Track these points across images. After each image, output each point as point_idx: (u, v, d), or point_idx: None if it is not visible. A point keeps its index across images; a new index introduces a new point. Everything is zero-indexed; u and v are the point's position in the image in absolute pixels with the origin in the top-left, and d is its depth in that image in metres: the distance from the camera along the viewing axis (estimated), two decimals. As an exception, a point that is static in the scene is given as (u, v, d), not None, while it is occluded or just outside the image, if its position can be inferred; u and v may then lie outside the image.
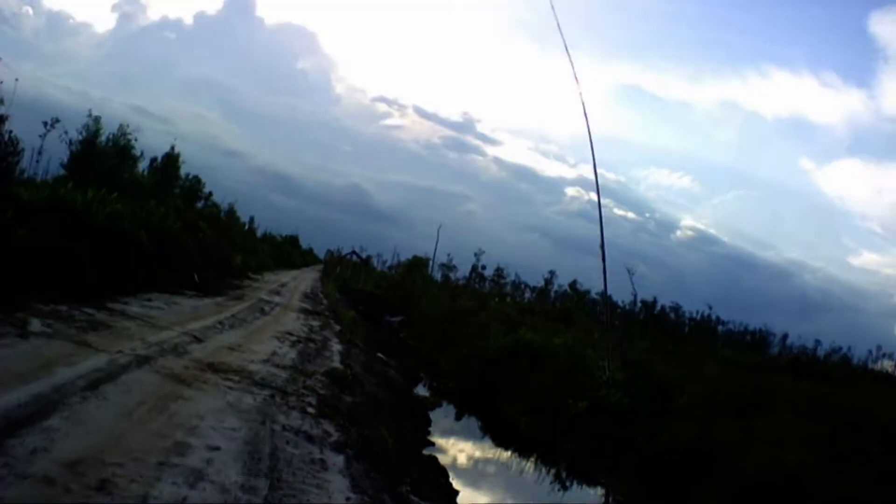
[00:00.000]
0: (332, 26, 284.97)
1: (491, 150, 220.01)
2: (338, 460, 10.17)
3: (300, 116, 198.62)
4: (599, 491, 17.33)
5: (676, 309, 61.46)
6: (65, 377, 10.14)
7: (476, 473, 17.69)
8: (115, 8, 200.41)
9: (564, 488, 17.05)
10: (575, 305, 59.77)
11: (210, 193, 56.49)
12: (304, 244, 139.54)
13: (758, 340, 53.24)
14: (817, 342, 49.88)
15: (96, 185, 25.16)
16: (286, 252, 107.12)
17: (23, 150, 33.70)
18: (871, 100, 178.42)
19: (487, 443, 20.65)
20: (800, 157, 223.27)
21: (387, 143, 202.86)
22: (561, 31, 26.84)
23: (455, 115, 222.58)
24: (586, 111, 16.41)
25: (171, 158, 46.60)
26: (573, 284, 71.89)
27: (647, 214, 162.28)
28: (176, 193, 46.80)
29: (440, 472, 14.19)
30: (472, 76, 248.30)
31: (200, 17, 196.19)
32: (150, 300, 20.26)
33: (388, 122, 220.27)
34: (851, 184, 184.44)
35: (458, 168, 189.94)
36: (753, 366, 28.19)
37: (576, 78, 27.65)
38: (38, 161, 36.36)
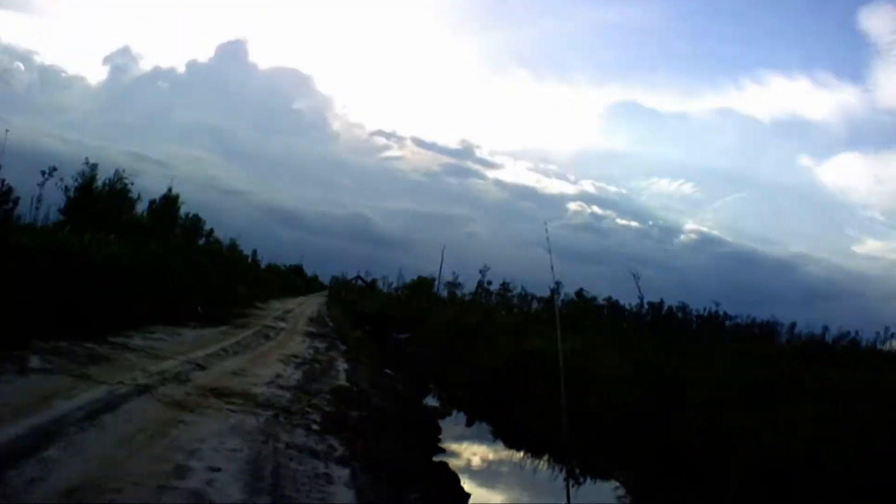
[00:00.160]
0: (326, 66, 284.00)
1: (491, 174, 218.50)
2: (343, 473, 9.89)
3: (298, 154, 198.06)
4: (613, 484, 17.04)
5: (683, 308, 60.87)
6: (63, 409, 9.92)
7: (489, 474, 17.35)
8: (106, 60, 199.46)
9: (578, 484, 16.75)
10: (582, 312, 59.43)
11: (211, 230, 56.41)
12: (308, 272, 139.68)
13: (766, 331, 52.84)
14: (825, 328, 49.22)
15: (94, 229, 25.03)
16: (291, 281, 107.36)
17: (19, 197, 33.86)
18: (866, 93, 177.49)
19: (499, 445, 20.30)
20: (798, 156, 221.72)
21: (387, 174, 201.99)
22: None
23: (454, 143, 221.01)
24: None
25: (170, 199, 46.29)
26: (579, 292, 71.51)
27: (650, 222, 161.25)
28: (176, 233, 46.64)
29: (451, 477, 13.87)
30: (469, 104, 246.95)
31: (193, 66, 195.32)
32: (152, 333, 20.05)
33: (388, 154, 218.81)
34: (851, 176, 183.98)
35: (459, 193, 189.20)
36: (763, 356, 27.77)
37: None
38: (37, 209, 36.34)
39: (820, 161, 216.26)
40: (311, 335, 32.86)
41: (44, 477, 7.24)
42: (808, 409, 15.17)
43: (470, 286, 77.25)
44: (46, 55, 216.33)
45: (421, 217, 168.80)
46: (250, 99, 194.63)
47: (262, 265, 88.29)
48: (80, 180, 37.67)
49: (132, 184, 39.99)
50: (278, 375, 17.69)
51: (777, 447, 13.19)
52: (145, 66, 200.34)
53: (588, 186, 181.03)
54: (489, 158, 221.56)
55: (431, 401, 25.82)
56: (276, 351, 23.26)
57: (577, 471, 17.25)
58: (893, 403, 15.10)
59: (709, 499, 13.42)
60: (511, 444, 20.03)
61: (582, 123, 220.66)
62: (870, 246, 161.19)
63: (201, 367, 16.18)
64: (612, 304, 66.37)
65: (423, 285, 78.32)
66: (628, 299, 62.63)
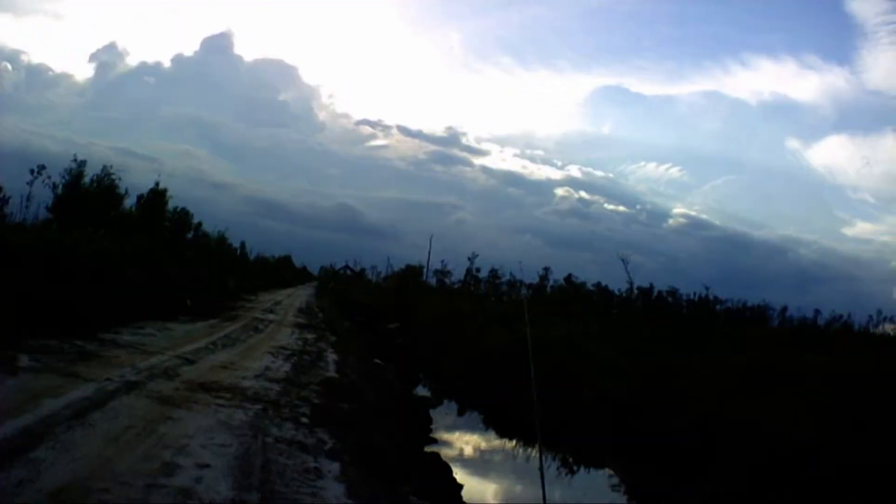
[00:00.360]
0: (312, 57, 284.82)
1: (478, 161, 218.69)
2: (333, 467, 9.73)
3: (285, 145, 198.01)
4: (607, 472, 16.90)
5: (674, 293, 60.67)
6: (51, 408, 9.75)
7: (481, 464, 17.23)
8: (92, 58, 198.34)
9: (571, 472, 16.60)
10: (571, 298, 59.14)
11: (199, 224, 56.16)
12: (297, 263, 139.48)
13: (757, 315, 52.48)
14: (817, 312, 49.03)
15: (82, 225, 24.81)
16: (280, 272, 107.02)
17: (9, 196, 33.83)
18: (854, 76, 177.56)
19: (491, 434, 20.14)
20: (787, 138, 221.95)
21: (373, 164, 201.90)
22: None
23: (440, 131, 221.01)
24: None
25: (157, 194, 45.98)
26: (568, 278, 71.26)
27: (638, 206, 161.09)
28: (165, 227, 46.37)
29: (443, 468, 13.72)
30: (455, 92, 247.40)
31: (178, 60, 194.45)
32: (141, 328, 19.86)
33: (374, 143, 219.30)
34: (840, 158, 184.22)
35: (446, 180, 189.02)
36: (755, 340, 27.52)
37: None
38: (27, 207, 36.41)
39: (808, 143, 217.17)
40: (300, 326, 32.69)
41: (32, 478, 7.08)
42: (806, 397, 14.98)
43: (459, 274, 77.18)
44: (33, 54, 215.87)
45: (408, 205, 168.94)
46: (236, 91, 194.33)
47: (251, 257, 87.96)
48: (67, 177, 37.55)
49: (120, 179, 39.89)
50: (267, 368, 17.54)
51: (776, 437, 12.96)
52: (131, 61, 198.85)
53: (575, 172, 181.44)
54: (475, 145, 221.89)
55: (422, 390, 25.71)
56: (265, 343, 23.10)
57: (570, 459, 17.08)
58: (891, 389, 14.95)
59: (704, 489, 13.23)
60: (502, 432, 19.88)
61: (568, 109, 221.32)
62: (860, 228, 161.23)
63: (190, 362, 16.02)
64: (602, 290, 66.24)
65: (411, 274, 78.06)
66: (618, 284, 62.56)
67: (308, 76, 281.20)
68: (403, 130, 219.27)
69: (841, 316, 47.27)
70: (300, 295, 72.70)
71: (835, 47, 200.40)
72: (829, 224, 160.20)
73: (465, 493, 12.42)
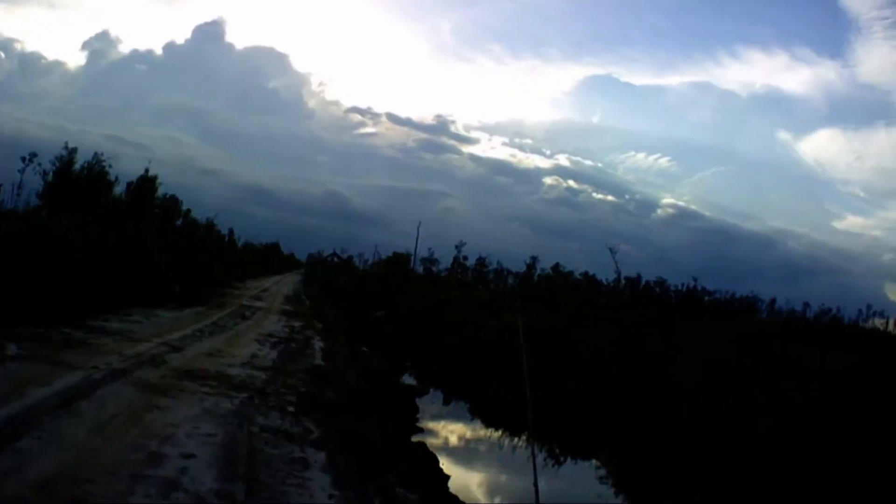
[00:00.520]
0: (303, 45, 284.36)
1: (466, 149, 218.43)
2: (319, 457, 9.59)
3: (275, 133, 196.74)
4: (594, 463, 16.75)
5: (662, 283, 60.55)
6: (38, 397, 9.64)
7: (467, 453, 17.07)
8: (85, 45, 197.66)
9: (559, 463, 16.43)
10: (559, 287, 58.94)
11: (188, 211, 55.94)
12: (285, 250, 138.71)
13: (746, 307, 52.24)
14: (806, 305, 48.91)
15: (72, 212, 24.57)
16: (268, 259, 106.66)
17: (1, 184, 33.63)
18: (846, 69, 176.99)
19: (477, 423, 19.94)
20: (777, 131, 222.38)
21: (362, 151, 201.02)
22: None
23: (429, 119, 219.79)
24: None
25: (147, 181, 45.67)
26: (556, 267, 71.10)
27: (627, 196, 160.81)
28: (155, 214, 46.10)
29: (429, 458, 13.54)
30: (444, 80, 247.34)
31: (170, 48, 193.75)
32: (129, 315, 19.73)
33: (363, 130, 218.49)
34: (831, 152, 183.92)
35: (434, 168, 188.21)
36: (743, 333, 27.34)
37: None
38: (18, 195, 36.32)
39: (799, 136, 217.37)
40: (287, 314, 32.56)
41: (18, 469, 6.95)
42: (796, 392, 14.81)
43: (446, 261, 76.94)
44: (27, 43, 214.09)
45: (396, 193, 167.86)
46: (227, 79, 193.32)
47: (239, 244, 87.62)
48: (57, 165, 37.37)
49: (110, 166, 39.70)
50: (254, 356, 17.41)
51: (768, 432, 12.79)
52: (123, 49, 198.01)
53: (564, 161, 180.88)
54: (464, 133, 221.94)
55: (408, 379, 25.55)
56: (252, 330, 22.98)
57: (558, 450, 16.91)
58: (885, 383, 14.82)
59: (692, 482, 13.09)
60: (489, 422, 19.67)
61: (557, 98, 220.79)
62: (850, 222, 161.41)
63: (177, 349, 15.89)
64: (589, 279, 66.14)
65: (398, 262, 77.71)
66: (605, 274, 62.47)
67: (299, 64, 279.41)
68: (393, 118, 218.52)
69: (830, 309, 47.17)
70: (288, 282, 72.51)
71: (827, 41, 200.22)
72: (819, 217, 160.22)
73: (451, 484, 12.25)
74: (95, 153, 39.61)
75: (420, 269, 77.12)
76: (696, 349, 20.91)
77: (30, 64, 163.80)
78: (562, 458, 16.59)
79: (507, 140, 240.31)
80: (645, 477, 14.76)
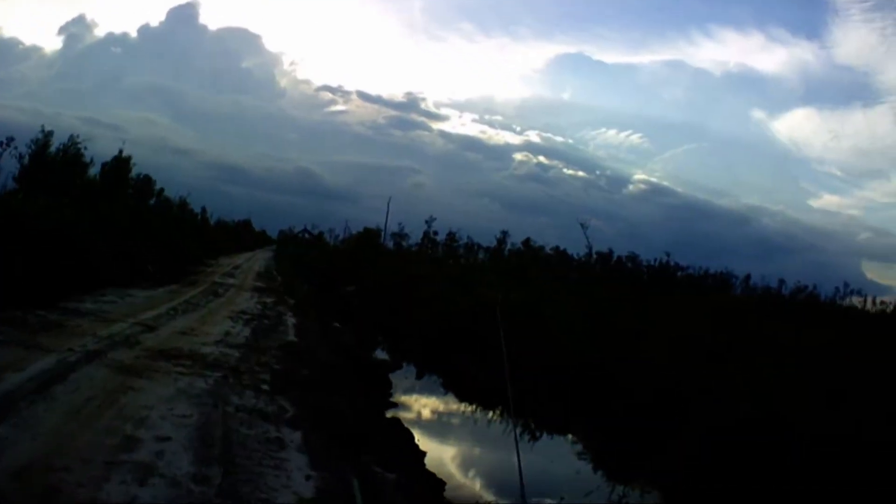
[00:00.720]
0: (275, 25, 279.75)
1: (436, 125, 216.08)
2: (295, 437, 9.38)
3: (247, 112, 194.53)
4: (570, 438, 16.56)
5: (633, 258, 60.19)
6: (13, 383, 9.34)
7: (442, 428, 16.78)
8: (61, 30, 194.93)
9: (534, 438, 16.16)
10: (529, 262, 58.50)
11: (162, 190, 55.47)
12: (257, 227, 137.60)
13: (719, 283, 51.96)
14: (781, 282, 48.72)
15: (47, 194, 24.16)
16: (239, 236, 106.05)
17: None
18: (823, 50, 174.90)
19: (450, 397, 19.59)
20: (751, 109, 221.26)
21: (333, 129, 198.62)
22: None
23: (399, 96, 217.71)
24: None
25: (121, 161, 45.26)
26: (527, 242, 70.73)
27: (598, 172, 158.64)
28: (129, 194, 45.65)
29: (405, 435, 13.30)
30: (414, 57, 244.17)
31: (145, 30, 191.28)
32: (104, 295, 19.33)
33: (333, 108, 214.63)
34: (806, 131, 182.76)
35: (404, 145, 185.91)
36: (717, 308, 27.01)
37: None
38: (-6, 180, 35.61)
39: (774, 115, 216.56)
40: (259, 290, 32.29)
41: (-7, 458, 6.70)
42: (772, 368, 14.61)
43: (416, 237, 76.47)
44: (4, 29, 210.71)
45: (367, 169, 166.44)
46: (200, 60, 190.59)
47: (212, 222, 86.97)
48: (33, 148, 37.00)
49: (85, 148, 39.39)
50: (227, 333, 17.18)
51: (740, 405, 12.58)
52: (99, 33, 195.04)
53: (534, 137, 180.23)
54: (434, 111, 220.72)
55: (381, 354, 25.30)
56: (225, 308, 22.70)
57: (533, 425, 16.66)
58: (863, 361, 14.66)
59: (667, 455, 12.91)
60: (462, 396, 19.33)
61: (528, 75, 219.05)
62: (826, 200, 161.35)
63: (151, 329, 15.60)
64: (560, 254, 65.84)
65: (369, 237, 77.09)
66: (576, 249, 61.86)
67: (271, 44, 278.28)
68: (363, 96, 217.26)
69: (806, 286, 47.04)
70: (259, 258, 72.06)
71: (804, 22, 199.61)
72: (794, 195, 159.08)
73: (427, 460, 12.03)
74: (71, 136, 39.36)
75: (390, 245, 76.79)
76: (669, 324, 20.63)
77: (7, 50, 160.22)
78: (537, 434, 16.31)
79: (477, 117, 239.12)
80: (621, 452, 14.58)
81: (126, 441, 7.84)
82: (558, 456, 15.16)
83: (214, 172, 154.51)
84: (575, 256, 62.28)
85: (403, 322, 29.12)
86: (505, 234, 71.46)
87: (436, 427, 16.62)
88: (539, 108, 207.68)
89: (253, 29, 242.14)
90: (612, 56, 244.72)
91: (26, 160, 36.75)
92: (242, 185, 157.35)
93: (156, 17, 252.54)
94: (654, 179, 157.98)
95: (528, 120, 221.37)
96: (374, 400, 15.60)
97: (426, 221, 75.86)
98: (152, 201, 52.66)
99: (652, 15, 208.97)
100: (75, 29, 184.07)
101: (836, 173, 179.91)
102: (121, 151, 45.02)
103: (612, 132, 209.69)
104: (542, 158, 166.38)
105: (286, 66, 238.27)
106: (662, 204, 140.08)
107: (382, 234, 77.17)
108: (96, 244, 22.15)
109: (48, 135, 37.88)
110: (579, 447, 15.67)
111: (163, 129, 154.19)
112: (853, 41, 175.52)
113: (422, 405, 18.43)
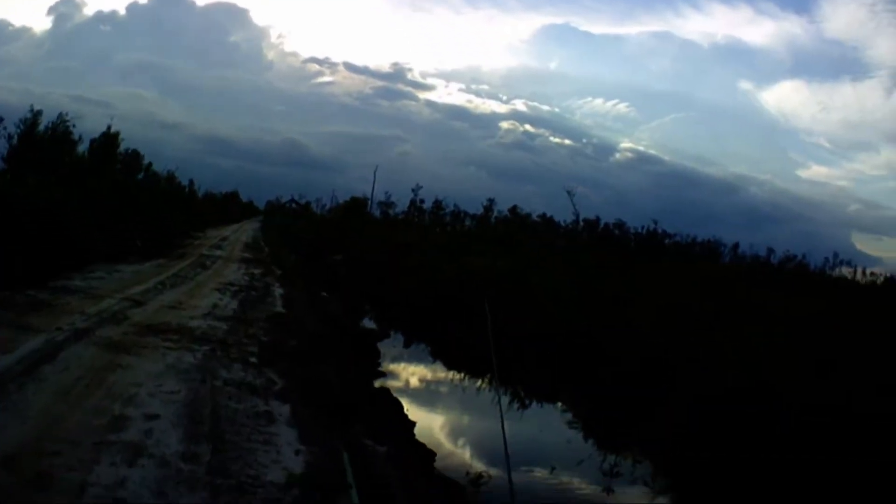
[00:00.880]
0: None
1: (423, 95, 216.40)
2: (284, 410, 9.18)
3: (234, 85, 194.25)
4: (559, 406, 16.43)
5: (621, 225, 59.82)
6: (4, 365, 9.09)
7: (431, 396, 16.65)
8: (51, 10, 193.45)
9: (524, 407, 16.00)
10: (516, 229, 58.08)
11: (150, 164, 55.05)
12: (244, 199, 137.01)
13: (708, 251, 51.56)
14: (770, 251, 48.36)
15: (36, 173, 23.84)
16: (227, 208, 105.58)
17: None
18: (812, 25, 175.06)
19: (438, 366, 19.41)
20: (739, 80, 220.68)
21: (320, 99, 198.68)
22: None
23: (385, 67, 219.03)
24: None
25: (109, 137, 44.82)
26: (513, 209, 70.32)
27: (584, 140, 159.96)
28: (117, 169, 45.26)
29: (394, 404, 13.16)
30: (401, 28, 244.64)
31: (133, 7, 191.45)
32: (92, 272, 19.04)
33: (320, 79, 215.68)
34: (795, 102, 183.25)
35: (391, 114, 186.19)
36: (705, 276, 26.71)
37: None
38: (-15, 159, 35.40)
39: (762, 86, 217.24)
40: (246, 261, 32.06)
41: (-16, 445, 6.51)
42: (760, 336, 14.40)
43: (403, 205, 76.08)
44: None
45: (354, 139, 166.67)
46: (188, 35, 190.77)
47: (199, 194, 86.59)
48: (22, 127, 36.66)
49: (74, 126, 39.18)
50: (215, 306, 16.98)
51: (730, 374, 12.40)
52: (88, 11, 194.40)
53: (520, 106, 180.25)
54: (421, 80, 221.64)
55: (369, 323, 25.15)
56: (212, 280, 22.47)
57: (522, 393, 16.51)
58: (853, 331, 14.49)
59: (655, 423, 12.76)
60: (450, 364, 19.21)
61: (515, 46, 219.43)
62: (815, 171, 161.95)
63: (138, 304, 15.37)
64: (547, 221, 65.42)
65: (356, 206, 76.64)
66: (563, 216, 61.47)
67: (259, 18, 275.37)
68: (350, 67, 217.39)
69: (795, 256, 46.74)
70: (247, 229, 71.69)
71: None
72: (782, 165, 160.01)
73: (417, 430, 11.91)
74: (60, 113, 39.02)
75: (377, 213, 76.37)
76: (657, 292, 20.44)
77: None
78: (526, 402, 16.16)
79: (463, 86, 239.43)
80: (610, 420, 14.46)
81: (115, 421, 7.65)
82: (548, 424, 15.05)
83: (202, 145, 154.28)
84: (562, 224, 61.98)
85: (391, 291, 28.92)
86: (491, 201, 71.19)
87: (424, 396, 16.51)
88: (525, 78, 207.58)
89: (240, 3, 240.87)
90: (599, 27, 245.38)
91: (15, 140, 36.41)
92: (230, 158, 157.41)
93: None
94: (640, 148, 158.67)
95: (514, 89, 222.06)
96: (363, 369, 15.49)
97: (413, 190, 75.60)
98: (140, 176, 52.27)
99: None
100: (64, 9, 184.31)
101: (824, 145, 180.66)
102: (109, 127, 44.63)
103: (598, 101, 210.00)
104: (528, 127, 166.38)
105: (273, 40, 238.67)
106: (649, 172, 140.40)
107: (369, 202, 76.89)
108: (84, 221, 21.83)
109: (37, 114, 37.57)
110: (569, 415, 15.53)
111: (151, 105, 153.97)
112: (842, 16, 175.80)
113: (410, 374, 18.33)
